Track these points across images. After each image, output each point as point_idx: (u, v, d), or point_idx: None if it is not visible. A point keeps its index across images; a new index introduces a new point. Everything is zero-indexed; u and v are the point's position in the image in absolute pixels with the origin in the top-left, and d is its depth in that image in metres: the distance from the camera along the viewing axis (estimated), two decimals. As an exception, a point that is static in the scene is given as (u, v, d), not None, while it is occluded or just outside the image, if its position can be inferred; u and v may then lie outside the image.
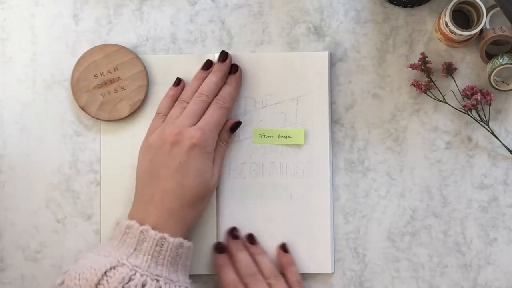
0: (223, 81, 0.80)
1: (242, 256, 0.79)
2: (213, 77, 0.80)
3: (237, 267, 0.79)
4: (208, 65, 0.81)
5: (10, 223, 0.82)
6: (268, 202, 0.81)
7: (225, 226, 0.81)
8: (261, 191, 0.81)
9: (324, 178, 0.81)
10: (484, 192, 0.81)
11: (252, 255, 0.80)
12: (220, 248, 0.80)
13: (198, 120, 0.77)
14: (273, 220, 0.81)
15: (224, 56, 0.80)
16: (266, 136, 0.81)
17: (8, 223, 0.82)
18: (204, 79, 0.80)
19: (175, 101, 0.80)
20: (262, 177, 0.81)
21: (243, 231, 0.81)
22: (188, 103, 0.79)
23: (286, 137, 0.80)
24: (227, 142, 0.80)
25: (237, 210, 0.81)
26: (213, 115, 0.77)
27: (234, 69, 0.81)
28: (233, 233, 0.80)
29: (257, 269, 0.78)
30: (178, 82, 0.81)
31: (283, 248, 0.80)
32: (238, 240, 0.80)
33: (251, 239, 0.80)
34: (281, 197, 0.81)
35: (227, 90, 0.80)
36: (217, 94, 0.79)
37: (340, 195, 0.82)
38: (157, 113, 0.80)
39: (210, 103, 0.78)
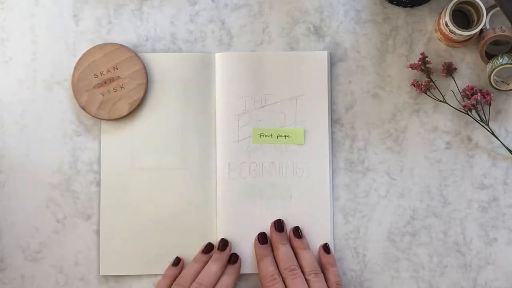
0: (222, 271, 0.80)
1: (284, 249, 0.79)
2: (213, 267, 0.79)
3: (277, 260, 0.79)
4: (208, 249, 0.80)
5: (10, 223, 0.82)
6: (268, 202, 0.81)
7: (225, 226, 0.81)
8: (261, 191, 0.81)
9: (324, 178, 0.81)
10: (484, 192, 0.81)
11: (295, 249, 0.79)
12: (263, 239, 0.80)
13: None
14: (273, 220, 0.81)
15: (224, 244, 0.80)
16: (266, 136, 0.81)
17: (8, 223, 0.82)
18: (204, 262, 0.80)
19: (172, 282, 0.80)
20: (262, 177, 0.81)
21: (243, 231, 0.81)
22: (185, 287, 0.78)
23: (285, 136, 0.80)
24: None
25: (237, 210, 0.81)
26: None
27: (233, 259, 0.80)
28: (278, 225, 0.80)
29: (297, 263, 0.78)
30: (177, 262, 0.81)
31: (325, 248, 0.80)
32: (282, 233, 0.80)
33: (296, 232, 0.80)
34: (281, 197, 0.81)
35: (225, 282, 0.79)
36: (215, 284, 0.79)
37: (340, 195, 0.82)
38: None
39: None
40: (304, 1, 0.83)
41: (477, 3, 0.78)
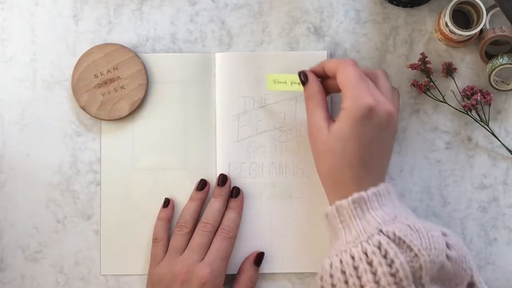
0: (225, 206, 0.80)
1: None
2: (216, 204, 0.79)
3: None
4: (202, 185, 0.80)
5: (10, 223, 0.82)
6: (267, 202, 0.81)
7: (225, 226, 0.81)
8: (260, 191, 0.81)
9: (324, 178, 0.81)
10: (484, 192, 0.82)
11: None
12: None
13: (205, 253, 0.77)
14: (273, 220, 0.81)
15: (223, 179, 0.80)
16: (280, 83, 0.80)
17: (8, 223, 0.82)
18: (200, 200, 0.80)
19: (169, 223, 0.80)
20: (262, 177, 0.81)
21: (243, 231, 0.81)
22: (187, 227, 0.78)
23: (299, 83, 0.79)
24: (255, 279, 0.80)
25: (237, 210, 0.81)
26: (220, 248, 0.77)
27: (235, 192, 0.80)
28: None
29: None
30: (167, 202, 0.81)
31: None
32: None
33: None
34: (281, 197, 0.81)
35: (230, 216, 0.79)
36: (221, 220, 0.79)
37: (340, 195, 0.81)
38: (154, 239, 0.79)
39: (215, 232, 0.78)
40: (304, 1, 0.83)
41: (477, 3, 0.78)
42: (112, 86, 0.81)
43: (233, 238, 0.78)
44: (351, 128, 0.67)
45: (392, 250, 0.63)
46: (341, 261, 0.65)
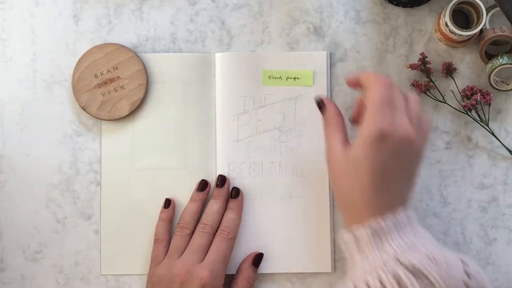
0: (224, 207, 0.80)
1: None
2: (215, 205, 0.79)
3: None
4: (203, 186, 0.80)
5: (10, 223, 0.82)
6: (267, 202, 0.81)
7: (225, 226, 0.81)
8: (260, 191, 0.81)
9: (324, 178, 0.81)
10: (484, 192, 0.81)
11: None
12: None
13: (205, 254, 0.77)
14: (273, 220, 0.81)
15: (221, 180, 0.80)
16: (275, 78, 0.80)
17: (8, 223, 0.82)
18: (200, 200, 0.80)
19: (170, 223, 0.80)
20: (262, 177, 0.81)
21: (243, 231, 0.81)
22: (187, 228, 0.78)
23: (295, 78, 0.79)
24: (253, 279, 0.80)
25: (237, 210, 0.81)
26: (219, 249, 0.77)
27: (235, 193, 0.80)
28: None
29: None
30: (168, 203, 0.81)
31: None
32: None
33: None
34: (281, 197, 0.81)
35: (230, 217, 0.79)
36: (220, 221, 0.79)
37: (340, 195, 0.81)
38: (155, 239, 0.80)
39: (214, 233, 0.78)
40: (304, 1, 0.83)
41: (477, 3, 0.78)
42: (112, 86, 0.81)
43: (232, 239, 0.78)
44: (364, 152, 0.66)
45: (409, 280, 0.62)
46: None
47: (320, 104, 0.74)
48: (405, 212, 0.67)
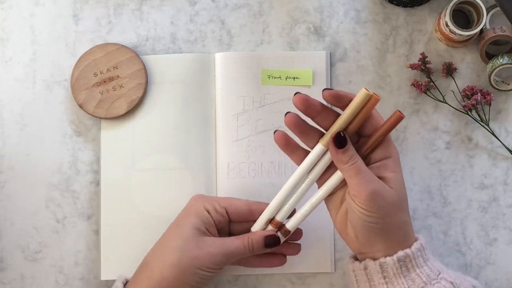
0: None
1: None
2: None
3: None
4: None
5: (10, 223, 0.82)
6: (267, 202, 0.81)
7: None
8: (260, 191, 0.81)
9: (323, 178, 0.81)
10: (484, 192, 0.81)
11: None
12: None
13: None
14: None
15: None
16: (274, 78, 0.80)
17: (8, 223, 0.82)
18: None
19: None
20: (261, 177, 0.81)
21: (242, 231, 0.80)
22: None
23: (294, 78, 0.79)
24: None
25: (237, 210, 0.81)
26: None
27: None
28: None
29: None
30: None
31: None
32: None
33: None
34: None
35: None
36: None
37: (340, 195, 0.81)
38: None
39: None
40: (304, 1, 0.83)
41: (477, 3, 0.78)
42: (111, 85, 0.81)
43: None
44: (402, 177, 0.68)
45: None
46: None
47: (342, 143, 0.67)
48: (421, 237, 0.70)
